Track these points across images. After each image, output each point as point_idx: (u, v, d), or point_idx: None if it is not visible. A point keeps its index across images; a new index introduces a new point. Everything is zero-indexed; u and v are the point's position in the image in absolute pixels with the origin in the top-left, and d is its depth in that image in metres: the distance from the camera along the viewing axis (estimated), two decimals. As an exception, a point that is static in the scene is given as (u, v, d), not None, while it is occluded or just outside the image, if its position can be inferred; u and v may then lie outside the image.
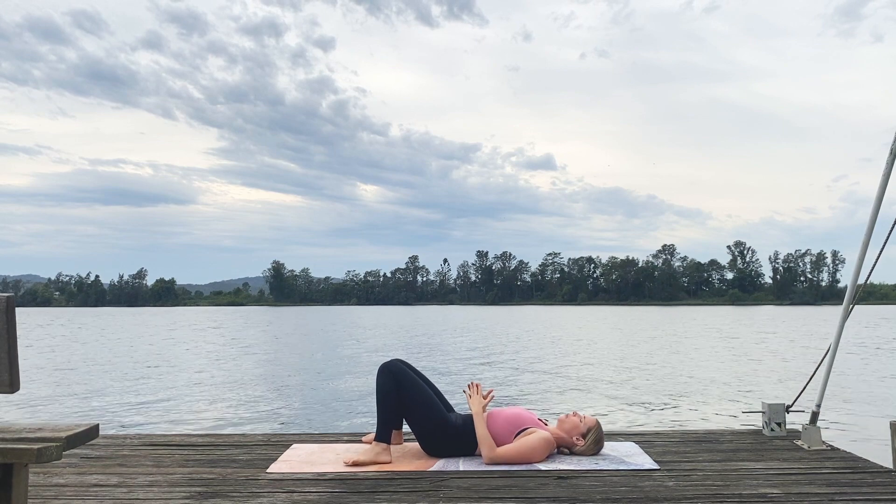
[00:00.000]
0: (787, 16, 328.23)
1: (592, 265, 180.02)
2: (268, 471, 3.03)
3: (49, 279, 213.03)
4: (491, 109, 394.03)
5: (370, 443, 3.27)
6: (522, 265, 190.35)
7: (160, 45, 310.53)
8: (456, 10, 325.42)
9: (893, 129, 3.31)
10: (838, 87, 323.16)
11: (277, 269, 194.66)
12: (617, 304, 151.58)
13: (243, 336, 29.73)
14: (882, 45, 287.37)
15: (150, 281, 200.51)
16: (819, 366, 3.67)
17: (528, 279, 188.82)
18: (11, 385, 2.02)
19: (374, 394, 3.26)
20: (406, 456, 3.27)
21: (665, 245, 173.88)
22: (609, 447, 3.43)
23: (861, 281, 3.49)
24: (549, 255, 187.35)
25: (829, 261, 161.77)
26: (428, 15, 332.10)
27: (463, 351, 20.24)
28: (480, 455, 3.20)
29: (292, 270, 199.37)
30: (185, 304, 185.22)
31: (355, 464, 3.08)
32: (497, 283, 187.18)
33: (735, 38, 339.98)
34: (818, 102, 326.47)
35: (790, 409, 3.75)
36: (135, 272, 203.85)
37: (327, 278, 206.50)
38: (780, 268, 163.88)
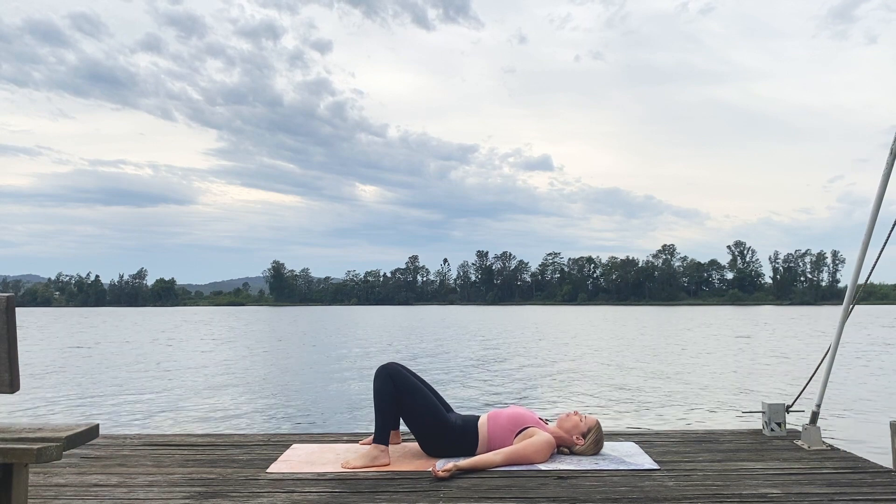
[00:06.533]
0: (783, 17, 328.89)
1: (592, 265, 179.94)
2: (268, 471, 3.03)
3: (49, 279, 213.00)
4: (488, 110, 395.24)
5: (369, 444, 3.27)
6: (522, 265, 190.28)
7: (159, 48, 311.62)
8: (452, 13, 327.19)
9: (890, 129, 3.32)
10: (834, 88, 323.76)
11: (277, 269, 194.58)
12: (617, 304, 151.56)
13: (243, 336, 29.72)
14: (876, 46, 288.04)
15: (150, 281, 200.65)
16: (819, 366, 3.66)
17: (528, 279, 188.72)
18: (11, 385, 2.02)
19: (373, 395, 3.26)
20: (406, 456, 3.27)
21: (665, 245, 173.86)
22: (609, 447, 3.43)
23: (861, 281, 3.49)
24: (549, 255, 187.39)
25: (829, 261, 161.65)
26: (424, 18, 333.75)
27: (464, 351, 20.24)
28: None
29: (292, 270, 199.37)
30: (185, 305, 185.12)
31: (354, 468, 3.08)
32: (497, 283, 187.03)
33: (731, 40, 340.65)
34: (814, 103, 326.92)
35: (790, 409, 3.75)
36: (135, 272, 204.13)
37: (327, 278, 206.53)
38: (781, 268, 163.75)
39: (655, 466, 3.06)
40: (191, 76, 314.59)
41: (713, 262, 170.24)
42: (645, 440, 3.64)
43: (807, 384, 3.75)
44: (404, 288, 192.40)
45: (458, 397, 10.52)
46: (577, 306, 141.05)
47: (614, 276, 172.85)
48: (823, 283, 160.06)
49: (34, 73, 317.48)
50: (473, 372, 14.31)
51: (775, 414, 3.73)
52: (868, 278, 3.50)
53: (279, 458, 3.24)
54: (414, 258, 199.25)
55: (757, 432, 3.80)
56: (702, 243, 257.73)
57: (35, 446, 1.89)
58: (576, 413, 3.39)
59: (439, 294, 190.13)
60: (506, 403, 9.95)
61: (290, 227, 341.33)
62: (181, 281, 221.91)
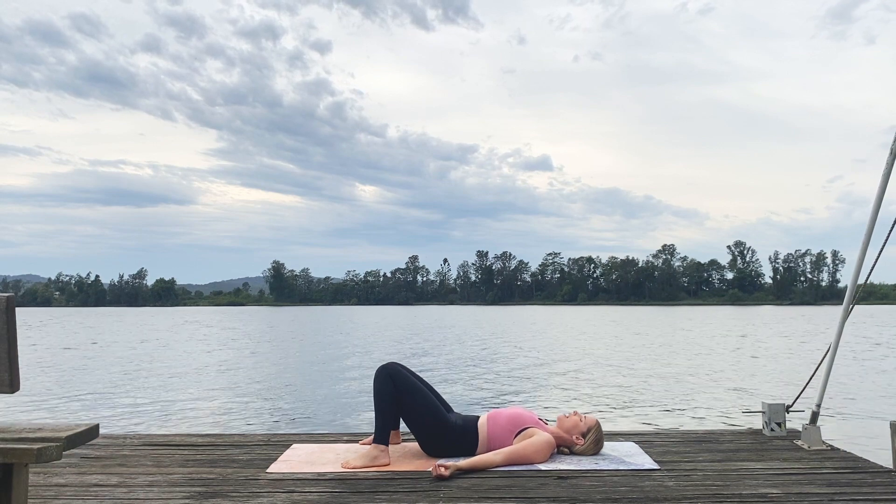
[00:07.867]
0: (782, 17, 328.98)
1: (592, 265, 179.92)
2: (268, 471, 3.03)
3: (49, 279, 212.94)
4: (487, 111, 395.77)
5: (369, 444, 3.27)
6: (522, 265, 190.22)
7: (159, 48, 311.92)
8: (451, 14, 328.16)
9: (890, 129, 3.32)
10: (834, 88, 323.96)
11: (277, 269, 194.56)
12: (617, 304, 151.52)
13: (243, 336, 29.72)
14: (875, 46, 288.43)
15: (150, 281, 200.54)
16: (819, 366, 3.67)
17: (528, 279, 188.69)
18: (11, 385, 2.02)
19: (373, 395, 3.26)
20: (406, 456, 3.27)
21: (665, 245, 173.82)
22: (609, 447, 3.43)
23: (861, 281, 3.49)
24: (549, 255, 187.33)
25: (829, 261, 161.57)
26: (423, 18, 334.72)
27: (464, 351, 20.24)
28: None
29: (292, 270, 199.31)
30: (185, 305, 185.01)
31: (354, 468, 3.08)
32: (497, 283, 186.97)
33: (731, 40, 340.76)
34: (814, 103, 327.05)
35: (790, 409, 3.75)
36: (135, 272, 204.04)
37: (327, 278, 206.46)
38: (781, 268, 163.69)
39: (655, 466, 3.06)
40: (190, 76, 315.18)
41: (713, 262, 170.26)
42: (645, 440, 3.64)
43: (807, 384, 3.75)
44: (404, 288, 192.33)
45: (459, 398, 10.52)
46: (577, 306, 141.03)
47: (614, 276, 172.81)
48: (823, 283, 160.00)
49: (34, 73, 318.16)
50: (474, 372, 14.31)
51: (775, 414, 3.73)
52: (868, 278, 3.50)
53: (279, 458, 3.24)
54: (414, 258, 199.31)
55: (757, 432, 3.80)
56: (702, 243, 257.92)
57: (35, 446, 1.89)
58: (575, 413, 3.39)
59: (439, 294, 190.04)
60: (505, 401, 9.95)
61: (290, 227, 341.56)
62: (181, 281, 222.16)
